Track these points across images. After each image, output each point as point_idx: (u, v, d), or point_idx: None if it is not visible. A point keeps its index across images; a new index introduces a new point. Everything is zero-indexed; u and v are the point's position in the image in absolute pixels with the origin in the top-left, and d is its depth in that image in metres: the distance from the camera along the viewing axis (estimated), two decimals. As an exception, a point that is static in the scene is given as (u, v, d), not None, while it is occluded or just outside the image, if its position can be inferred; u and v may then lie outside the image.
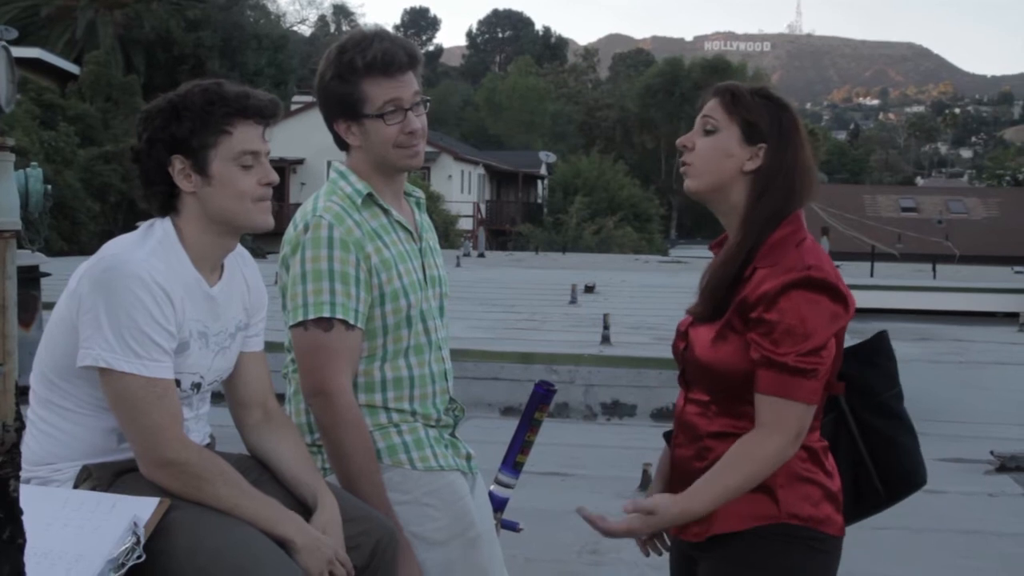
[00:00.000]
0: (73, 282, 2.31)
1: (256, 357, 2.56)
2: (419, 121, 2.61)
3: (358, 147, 2.63)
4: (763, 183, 2.27)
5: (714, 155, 2.29)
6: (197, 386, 2.41)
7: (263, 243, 24.87)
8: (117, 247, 2.33)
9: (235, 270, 2.50)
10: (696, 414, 2.31)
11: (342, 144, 2.67)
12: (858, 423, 2.36)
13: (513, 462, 2.81)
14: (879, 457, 2.36)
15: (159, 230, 2.37)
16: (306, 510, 2.36)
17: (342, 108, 2.60)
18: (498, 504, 2.80)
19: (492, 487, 2.81)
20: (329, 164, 2.71)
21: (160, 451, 2.23)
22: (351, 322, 2.50)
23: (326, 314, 2.48)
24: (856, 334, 2.30)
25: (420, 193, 2.80)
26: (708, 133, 2.31)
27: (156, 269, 2.27)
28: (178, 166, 2.34)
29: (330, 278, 2.49)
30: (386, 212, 2.63)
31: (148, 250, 2.31)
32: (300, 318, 2.50)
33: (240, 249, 2.53)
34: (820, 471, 2.24)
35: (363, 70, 2.55)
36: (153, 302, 2.24)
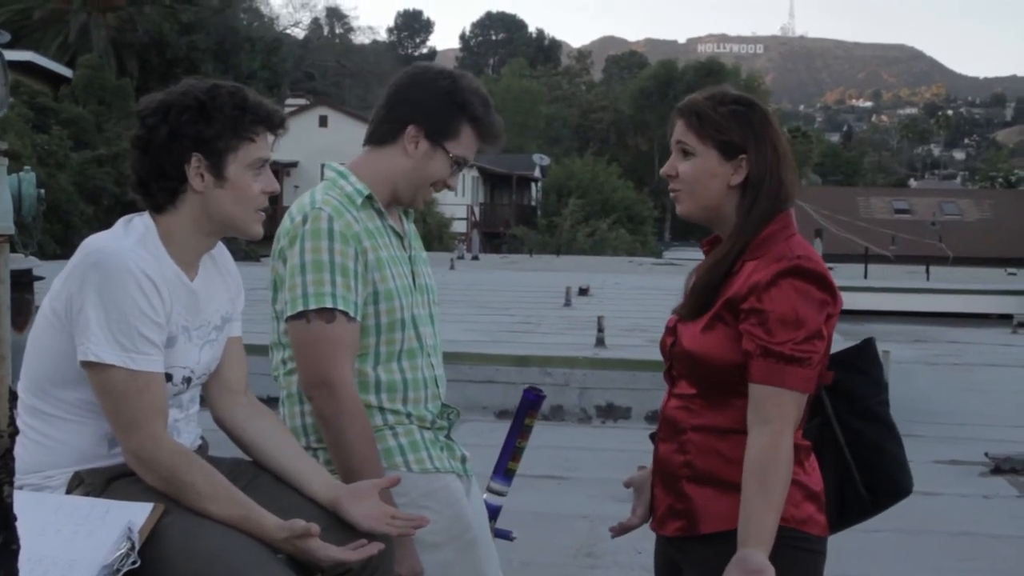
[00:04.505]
0: (59, 282, 2.30)
1: (238, 342, 2.56)
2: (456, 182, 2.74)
3: (406, 157, 2.62)
4: (753, 190, 2.27)
5: (699, 178, 2.29)
6: (188, 380, 2.40)
7: (257, 246, 24.86)
8: (100, 241, 2.32)
9: (209, 261, 2.49)
10: (679, 408, 2.31)
11: (384, 137, 2.65)
12: (843, 428, 2.36)
13: (504, 469, 2.81)
14: (864, 463, 2.36)
15: (140, 225, 2.36)
16: (308, 503, 2.35)
17: (437, 122, 2.61)
18: (491, 512, 2.79)
19: (484, 495, 2.80)
20: (323, 166, 2.71)
21: (132, 445, 2.23)
22: (351, 314, 2.50)
23: (328, 304, 2.48)
24: (849, 336, 2.30)
25: None
26: (686, 156, 2.31)
27: (143, 259, 2.27)
28: (195, 164, 2.34)
29: (331, 270, 2.49)
30: (381, 216, 2.64)
31: (133, 241, 2.31)
32: (301, 308, 2.49)
33: None
34: (801, 471, 2.23)
35: (473, 121, 2.63)
36: (141, 293, 2.24)
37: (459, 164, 2.66)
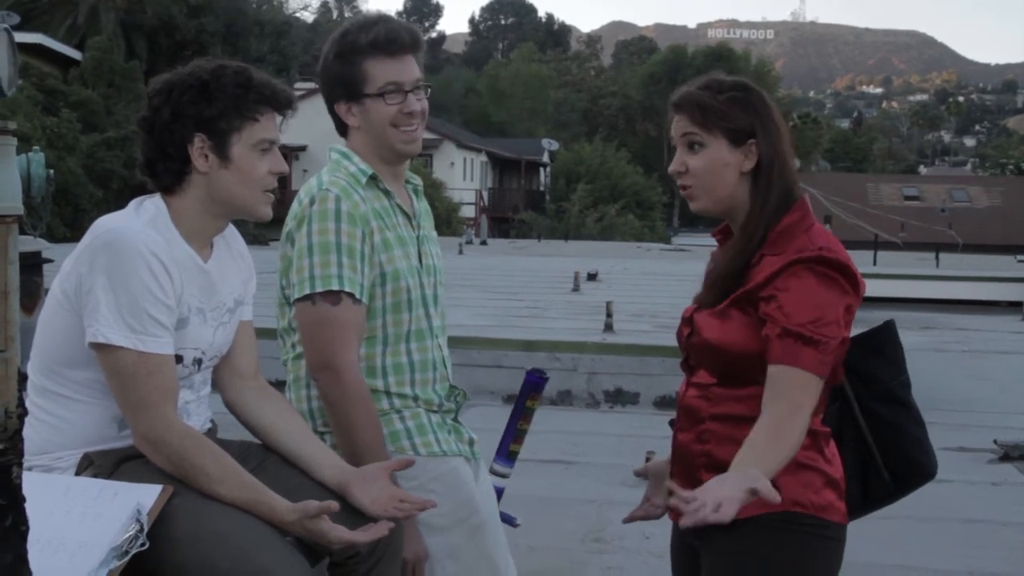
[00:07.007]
0: (69, 263, 2.29)
1: (249, 326, 2.56)
2: (419, 104, 2.62)
3: (358, 128, 2.63)
4: (766, 174, 2.25)
5: (711, 170, 2.26)
6: (199, 362, 2.40)
7: (265, 230, 24.87)
8: (111, 222, 2.31)
9: (223, 243, 2.49)
10: (697, 397, 2.30)
11: (342, 128, 2.67)
12: (864, 412, 2.35)
13: (507, 451, 2.81)
14: (886, 446, 2.34)
15: (151, 207, 2.36)
16: (316, 485, 2.35)
17: (344, 88, 2.60)
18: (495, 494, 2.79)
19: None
20: (331, 150, 2.71)
21: (142, 427, 2.23)
22: (357, 296, 2.49)
23: (334, 287, 2.47)
24: (860, 323, 2.27)
25: (418, 180, 2.80)
26: (694, 150, 2.28)
27: (154, 241, 2.27)
28: (198, 144, 2.33)
29: (337, 251, 2.48)
30: (387, 195, 2.63)
31: (143, 222, 2.31)
32: (307, 291, 2.49)
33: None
34: (821, 458, 2.22)
35: (365, 49, 2.57)
36: (151, 275, 2.23)
37: (391, 92, 2.59)
